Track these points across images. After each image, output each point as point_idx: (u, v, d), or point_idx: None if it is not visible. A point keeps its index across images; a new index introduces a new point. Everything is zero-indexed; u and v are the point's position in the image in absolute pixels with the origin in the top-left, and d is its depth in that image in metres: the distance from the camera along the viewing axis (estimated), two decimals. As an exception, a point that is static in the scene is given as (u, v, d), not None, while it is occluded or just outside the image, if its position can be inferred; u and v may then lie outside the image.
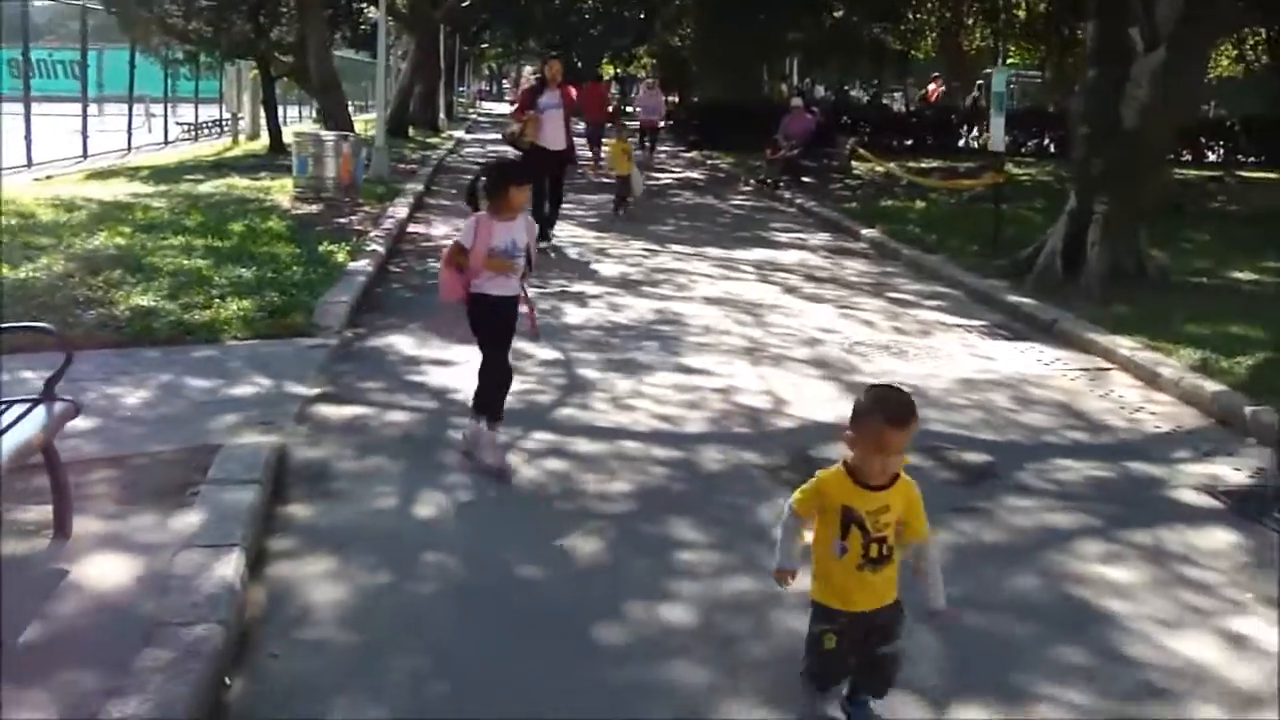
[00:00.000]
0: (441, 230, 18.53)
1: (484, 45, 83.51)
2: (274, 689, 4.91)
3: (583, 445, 7.80)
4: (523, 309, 7.77)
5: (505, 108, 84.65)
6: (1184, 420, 9.56)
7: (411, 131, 39.04)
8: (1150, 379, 10.59)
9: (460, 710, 4.83)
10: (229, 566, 5.61)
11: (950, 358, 11.33)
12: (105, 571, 5.67)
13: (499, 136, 42.36)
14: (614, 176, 21.30)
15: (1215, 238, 19.47)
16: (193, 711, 4.45)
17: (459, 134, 46.39)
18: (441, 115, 49.48)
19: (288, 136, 30.18)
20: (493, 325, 7.56)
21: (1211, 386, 9.98)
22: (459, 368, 9.79)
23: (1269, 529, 7.18)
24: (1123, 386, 10.48)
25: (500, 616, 5.67)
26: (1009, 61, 49.40)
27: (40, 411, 5.73)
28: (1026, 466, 8.16)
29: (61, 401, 5.91)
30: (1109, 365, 11.21)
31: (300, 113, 47.85)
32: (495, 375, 7.62)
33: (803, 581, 4.70)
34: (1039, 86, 50.78)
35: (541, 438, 8.27)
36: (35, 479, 6.22)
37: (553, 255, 15.95)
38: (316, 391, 9.02)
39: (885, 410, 4.32)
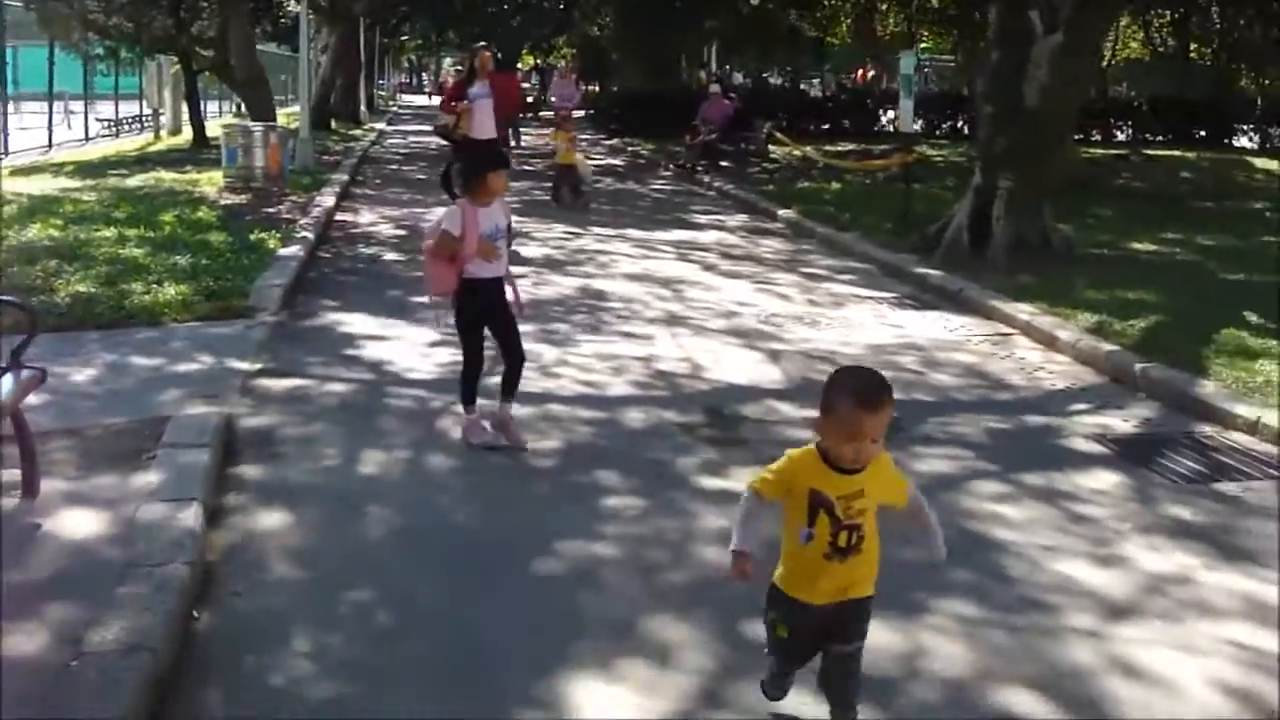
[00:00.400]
0: (368, 218, 18.95)
1: (404, 38, 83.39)
2: (238, 621, 5.38)
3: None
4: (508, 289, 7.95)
5: (424, 100, 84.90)
6: (1080, 378, 10.18)
7: (333, 124, 39.19)
8: (1050, 342, 11.22)
9: (408, 635, 5.31)
10: (190, 517, 6.07)
11: (861, 326, 11.91)
12: (75, 524, 6.10)
13: (422, 128, 42.81)
14: (557, 166, 21.56)
15: (1118, 212, 20.21)
16: (165, 639, 4.90)
17: (380, 126, 46.57)
18: (363, 108, 49.57)
19: (210, 131, 30.40)
20: (487, 309, 7.77)
21: (1106, 347, 10.63)
22: (393, 342, 10.32)
23: (1151, 471, 7.78)
24: (1024, 349, 11.09)
25: (442, 556, 6.18)
26: (923, 46, 50.30)
27: (8, 379, 6.13)
28: (930, 421, 8.73)
29: (28, 369, 6.31)
30: (1011, 330, 11.83)
31: (220, 107, 47.84)
32: (477, 365, 7.92)
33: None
34: (953, 70, 51.75)
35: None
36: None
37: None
38: (258, 367, 9.43)
39: (855, 392, 3.99)
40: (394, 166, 29.15)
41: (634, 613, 5.57)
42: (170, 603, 5.16)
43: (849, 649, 4.27)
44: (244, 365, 9.38)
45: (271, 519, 6.53)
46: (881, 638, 5.27)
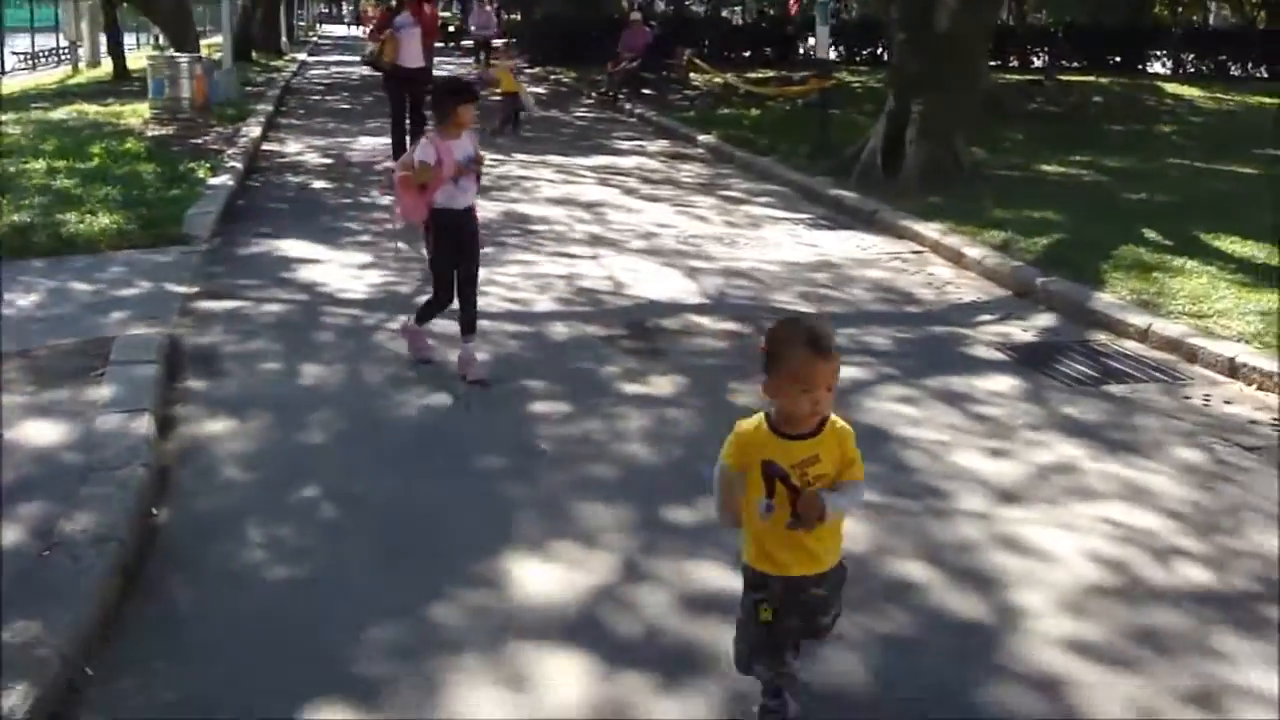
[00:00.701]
0: (294, 148, 19.18)
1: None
2: (195, 518, 5.81)
3: (439, 324, 8.64)
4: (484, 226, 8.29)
5: (344, 30, 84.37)
6: (985, 292, 10.72)
7: (254, 55, 39.06)
8: (957, 259, 11.75)
9: (354, 525, 5.76)
10: (143, 425, 6.48)
11: (778, 245, 12.39)
12: (37, 433, 6.50)
13: (344, 58, 42.78)
14: (500, 95, 21.75)
15: (1030, 136, 20.79)
16: (130, 531, 5.32)
17: (302, 56, 46.42)
18: (283, 38, 49.39)
19: (130, 64, 30.31)
20: (457, 237, 7.91)
21: (1011, 263, 11.17)
22: (325, 265, 10.73)
23: (1046, 375, 8.32)
24: (933, 266, 11.62)
25: (381, 456, 6.63)
26: (846, -27, 50.52)
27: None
28: (841, 331, 9.19)
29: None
30: (922, 249, 12.36)
31: (138, 39, 47.47)
32: (447, 291, 8.11)
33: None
34: (874, -2, 52.07)
35: (405, 320, 9.14)
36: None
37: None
38: (195, 290, 9.78)
39: (805, 337, 3.80)
40: (317, 97, 29.24)
41: (563, 501, 6.03)
42: (131, 501, 5.57)
43: (827, 619, 4.13)
44: (182, 289, 9.72)
45: (219, 426, 6.93)
46: (789, 518, 5.79)
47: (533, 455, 6.66)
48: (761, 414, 3.95)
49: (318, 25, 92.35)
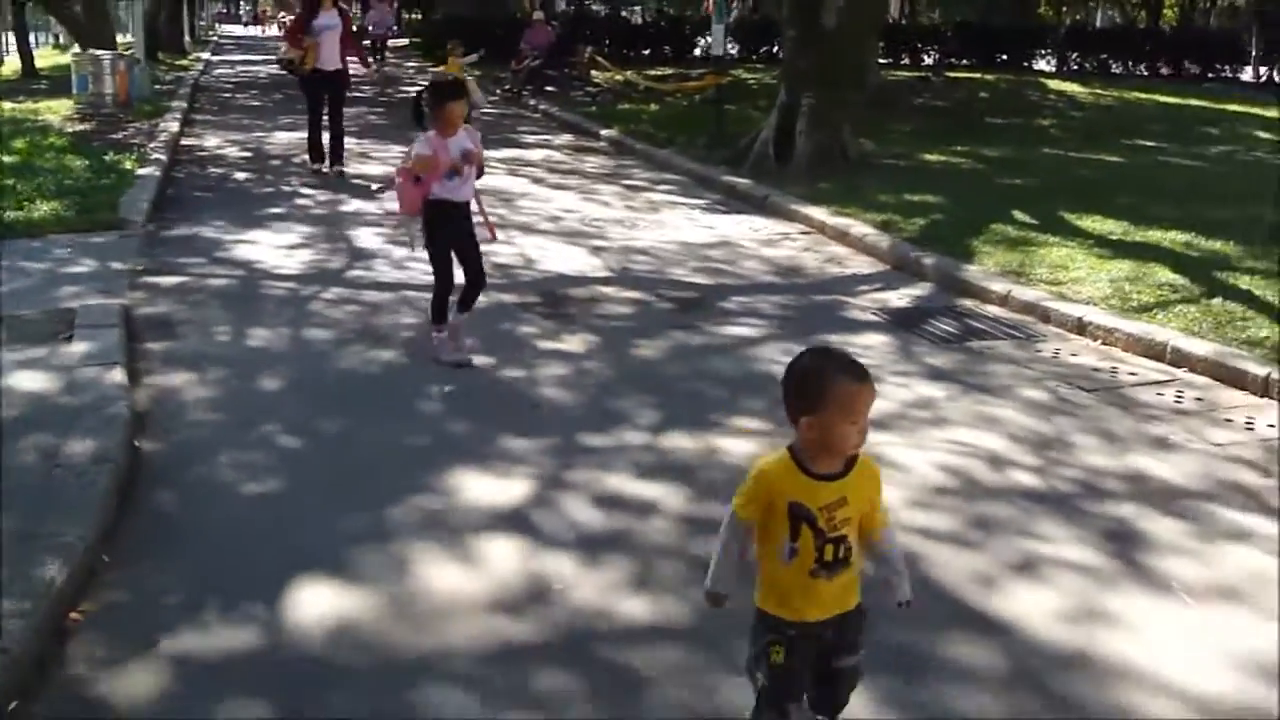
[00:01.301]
0: (213, 141, 19.87)
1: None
2: (174, 448, 6.71)
3: (372, 295, 9.52)
4: (478, 217, 8.38)
5: (243, 30, 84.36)
6: (866, 267, 11.78)
7: (160, 55, 39.42)
8: (842, 237, 12.82)
9: (311, 453, 6.71)
10: (117, 375, 7.37)
11: (676, 228, 13.41)
12: (29, 381, 7.40)
13: (248, 58, 43.24)
14: None
15: (916, 128, 21.92)
16: (121, 455, 6.22)
17: (206, 56, 46.69)
18: (187, 38, 49.71)
19: (40, 62, 30.66)
20: (451, 229, 8.19)
21: (890, 240, 12.24)
22: (257, 246, 11.64)
23: (915, 334, 9.37)
24: (819, 245, 12.70)
25: (331, 401, 7.56)
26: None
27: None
28: (731, 300, 10.25)
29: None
30: (809, 229, 13.44)
31: (37, 39, 47.54)
32: (448, 282, 8.36)
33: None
34: (769, -3, 53.24)
35: (338, 291, 10.11)
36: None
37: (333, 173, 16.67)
38: (140, 266, 10.60)
39: (847, 368, 3.68)
40: (228, 95, 29.79)
41: (496, 431, 6.99)
42: (119, 432, 6.47)
43: (853, 661, 3.89)
44: (128, 266, 10.52)
45: (181, 379, 7.81)
46: (686, 442, 6.80)
47: (469, 396, 7.64)
48: (784, 450, 3.71)
49: (217, 25, 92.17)
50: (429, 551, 5.48)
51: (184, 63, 39.68)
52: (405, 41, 40.88)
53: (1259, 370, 8.13)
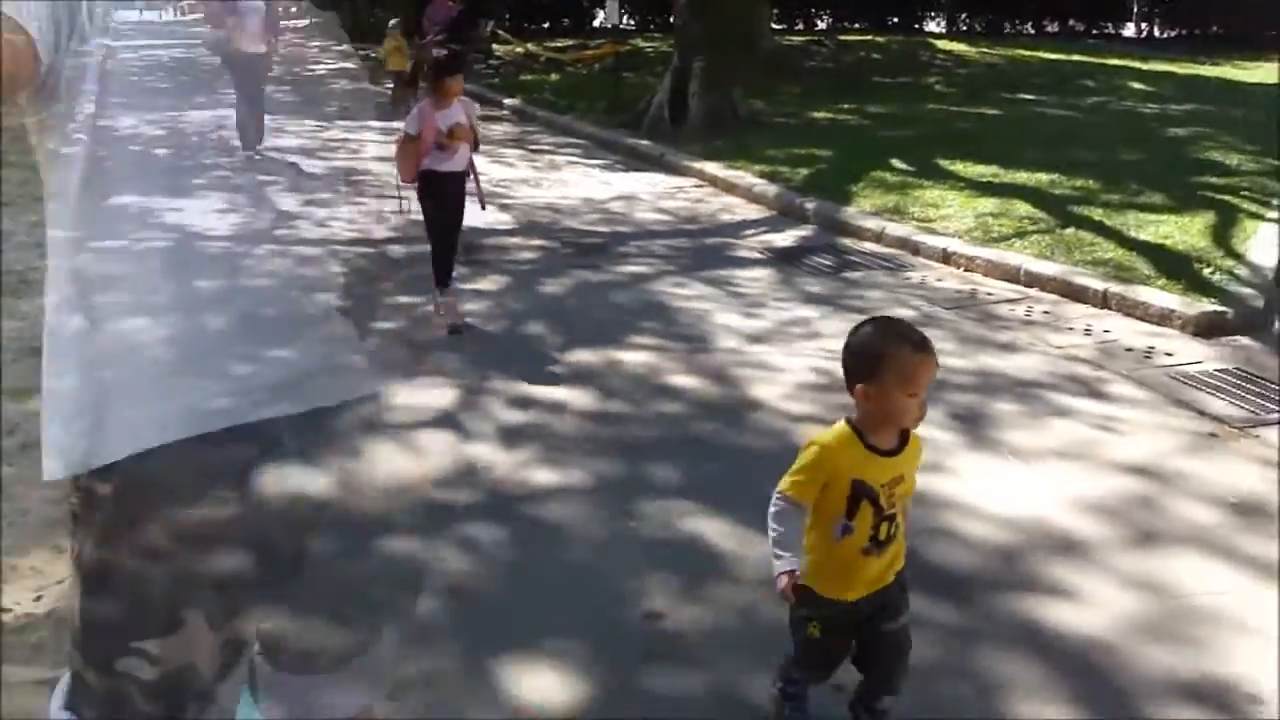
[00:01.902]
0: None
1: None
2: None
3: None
4: (470, 185, 8.76)
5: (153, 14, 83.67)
6: (754, 214, 12.78)
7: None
8: (732, 189, 13.84)
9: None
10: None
11: (578, 185, 14.36)
12: None
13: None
14: (390, 73, 22.66)
15: (806, 89, 22.71)
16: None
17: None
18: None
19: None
20: (443, 199, 8.59)
21: (776, 189, 13.24)
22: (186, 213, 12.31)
23: (795, 268, 10.36)
24: (711, 196, 13.69)
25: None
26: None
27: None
28: (629, 244, 11.20)
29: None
30: (702, 183, 14.42)
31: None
32: (443, 249, 8.72)
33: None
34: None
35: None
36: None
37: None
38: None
39: (908, 337, 3.55)
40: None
41: (423, 354, 7.92)
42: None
43: (897, 624, 3.71)
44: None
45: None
46: (590, 356, 7.77)
47: (399, 330, 8.57)
48: (841, 424, 3.61)
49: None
50: (376, 444, 6.36)
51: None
52: (307, 21, 40.94)
53: (1099, 285, 9.18)
